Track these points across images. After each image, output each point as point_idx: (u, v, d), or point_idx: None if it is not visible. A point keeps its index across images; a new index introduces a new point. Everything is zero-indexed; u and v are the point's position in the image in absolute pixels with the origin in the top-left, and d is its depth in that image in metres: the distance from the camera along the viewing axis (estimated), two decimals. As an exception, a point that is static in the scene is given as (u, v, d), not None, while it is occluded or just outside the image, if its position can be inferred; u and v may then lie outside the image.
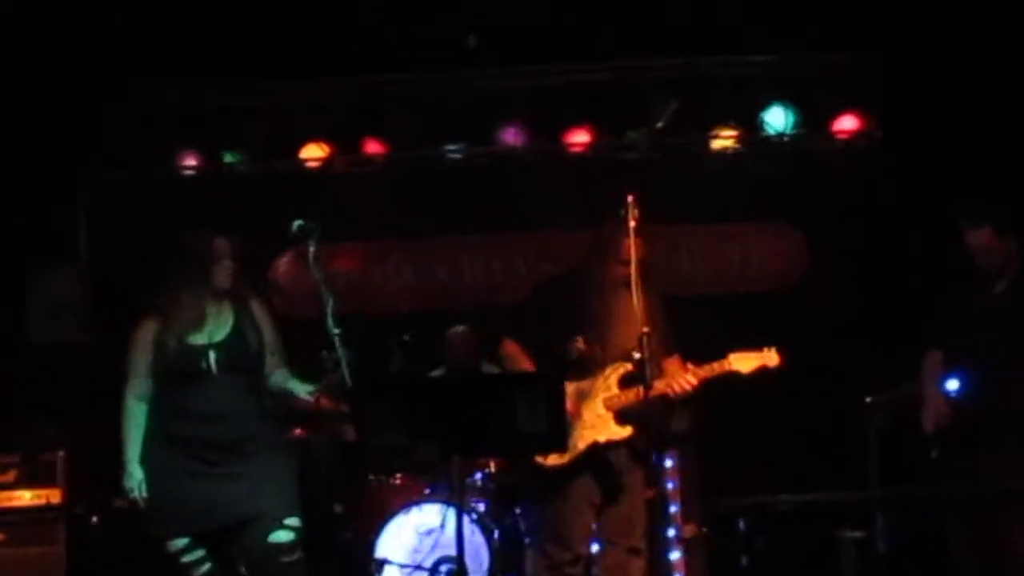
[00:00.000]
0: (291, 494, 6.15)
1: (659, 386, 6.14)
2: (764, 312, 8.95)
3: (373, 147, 9.44)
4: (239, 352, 6.19)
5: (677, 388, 6.15)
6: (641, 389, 5.97)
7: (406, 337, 8.19)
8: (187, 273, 6.13)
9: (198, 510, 6.04)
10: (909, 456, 6.85)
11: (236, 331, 6.20)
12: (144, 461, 6.13)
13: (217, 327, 6.20)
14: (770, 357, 6.15)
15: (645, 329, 5.81)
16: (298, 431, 7.73)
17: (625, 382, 6.25)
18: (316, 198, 8.91)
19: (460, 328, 8.87)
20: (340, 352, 5.72)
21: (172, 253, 6.15)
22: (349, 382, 5.69)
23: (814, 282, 9.39)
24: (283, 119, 9.35)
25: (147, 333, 6.13)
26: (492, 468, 8.09)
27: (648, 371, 5.86)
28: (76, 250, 9.25)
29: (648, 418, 6.04)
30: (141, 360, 6.14)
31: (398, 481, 8.30)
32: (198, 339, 6.12)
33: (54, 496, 7.69)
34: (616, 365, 6.28)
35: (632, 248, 5.94)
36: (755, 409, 7.98)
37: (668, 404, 6.25)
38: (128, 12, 8.01)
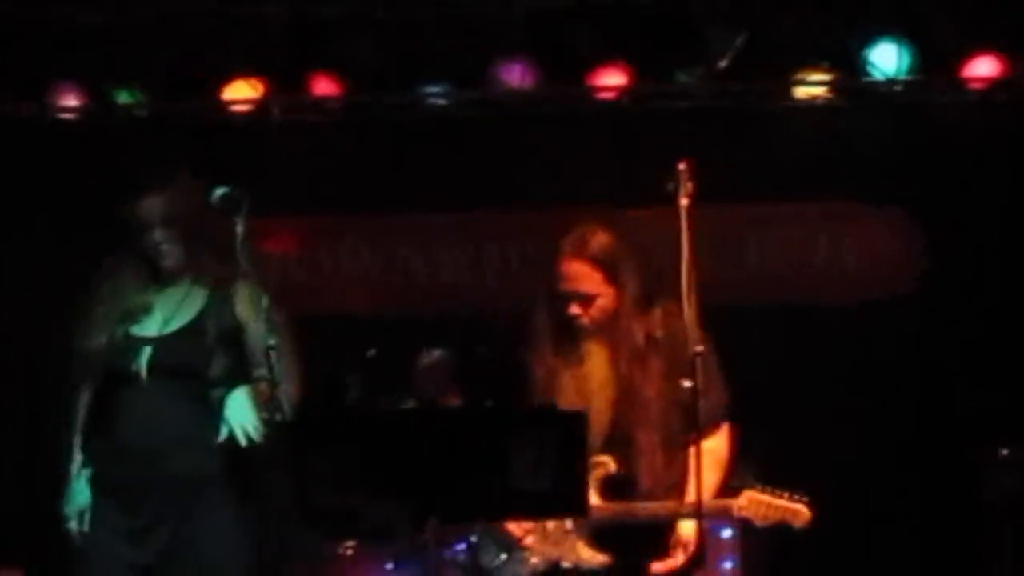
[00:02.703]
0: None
1: (647, 508, 5.67)
2: (861, 331, 8.26)
3: (323, 86, 8.71)
4: (185, 349, 5.71)
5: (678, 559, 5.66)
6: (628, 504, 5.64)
7: (369, 352, 7.71)
8: (123, 257, 5.79)
9: None
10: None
11: (194, 323, 5.77)
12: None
13: (172, 316, 5.76)
14: (798, 513, 5.64)
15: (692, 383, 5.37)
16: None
17: (610, 489, 5.71)
18: (244, 155, 8.35)
19: (435, 354, 7.98)
20: (277, 371, 5.27)
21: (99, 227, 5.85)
22: (287, 414, 5.29)
23: (934, 290, 8.53)
24: (199, 45, 8.56)
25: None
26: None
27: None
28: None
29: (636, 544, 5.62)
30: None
31: (349, 552, 7.66)
32: (136, 330, 5.73)
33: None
34: (598, 461, 5.71)
35: (685, 245, 5.28)
36: (846, 458, 7.68)
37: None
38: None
